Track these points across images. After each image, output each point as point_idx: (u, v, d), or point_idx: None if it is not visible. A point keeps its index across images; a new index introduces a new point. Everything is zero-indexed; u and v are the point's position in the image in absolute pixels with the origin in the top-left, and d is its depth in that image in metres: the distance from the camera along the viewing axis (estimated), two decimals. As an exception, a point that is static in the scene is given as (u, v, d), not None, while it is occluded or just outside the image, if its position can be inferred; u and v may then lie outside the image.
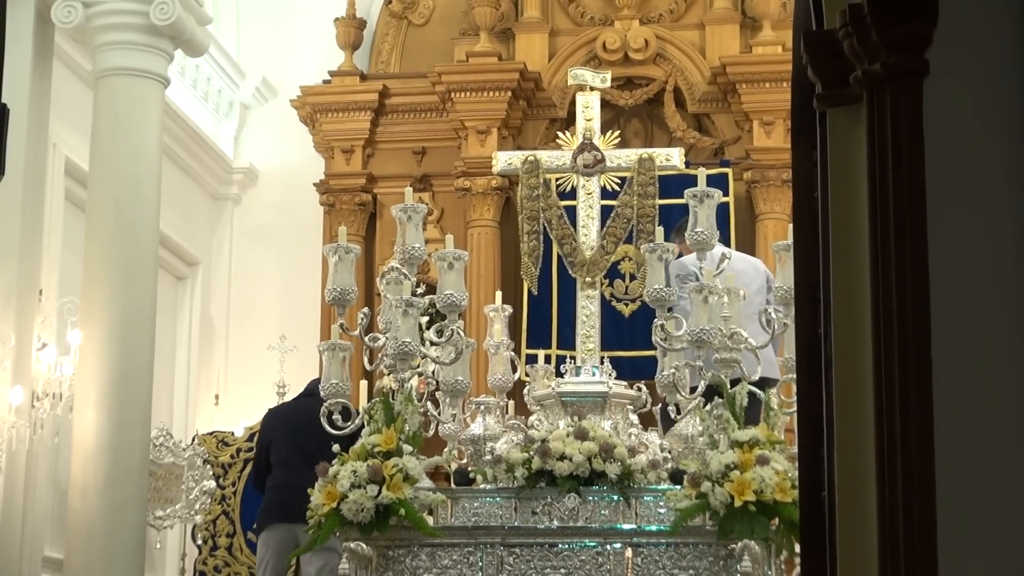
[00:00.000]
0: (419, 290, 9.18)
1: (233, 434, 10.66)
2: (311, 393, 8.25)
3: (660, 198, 8.18)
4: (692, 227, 7.35)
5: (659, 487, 7.19)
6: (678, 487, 7.01)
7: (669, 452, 7.50)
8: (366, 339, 7.51)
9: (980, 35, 3.73)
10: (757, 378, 7.21)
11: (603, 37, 11.45)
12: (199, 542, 10.43)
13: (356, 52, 11.95)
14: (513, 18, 11.75)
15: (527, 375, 8.51)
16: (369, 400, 7.61)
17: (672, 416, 7.47)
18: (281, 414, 8.68)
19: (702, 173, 7.50)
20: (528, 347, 10.58)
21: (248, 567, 10.24)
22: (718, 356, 7.21)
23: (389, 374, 7.63)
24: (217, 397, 12.21)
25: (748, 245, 10.81)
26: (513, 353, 8.44)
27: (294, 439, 8.14)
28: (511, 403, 8.45)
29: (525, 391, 8.21)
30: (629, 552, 6.98)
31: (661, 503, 7.07)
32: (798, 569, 6.35)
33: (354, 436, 7.30)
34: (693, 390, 7.25)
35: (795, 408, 5.37)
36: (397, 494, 6.95)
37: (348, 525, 6.99)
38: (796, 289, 4.44)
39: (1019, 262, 3.65)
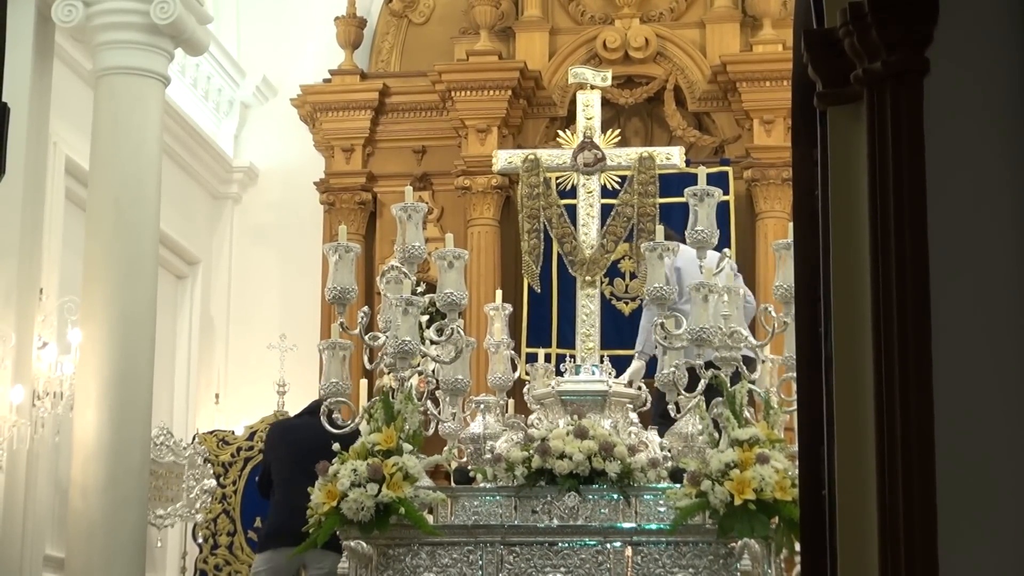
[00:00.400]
0: (419, 289, 9.19)
1: (233, 433, 10.66)
2: (314, 411, 8.25)
3: (660, 197, 8.18)
4: (692, 226, 7.35)
5: (659, 486, 7.19)
6: (678, 486, 7.01)
7: (669, 451, 7.50)
8: (366, 338, 7.51)
9: (980, 33, 3.74)
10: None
11: (603, 36, 11.45)
12: (200, 541, 10.43)
13: (356, 51, 11.95)
14: (513, 17, 11.75)
15: (527, 374, 8.51)
16: (369, 399, 7.61)
17: (672, 415, 7.48)
18: (285, 431, 8.61)
19: (702, 172, 7.50)
20: (528, 346, 10.58)
21: (248, 566, 10.24)
22: (718, 356, 7.22)
23: (389, 373, 7.63)
24: (217, 396, 12.21)
25: (748, 244, 10.82)
26: (513, 352, 8.45)
27: (297, 459, 8.06)
28: (511, 402, 8.45)
29: (525, 390, 8.21)
30: (629, 551, 6.98)
31: (661, 502, 7.08)
32: (798, 568, 6.36)
33: None
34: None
35: (795, 406, 5.37)
36: (397, 493, 6.95)
37: (348, 524, 6.99)
38: (796, 288, 4.44)
39: (1020, 260, 3.65)
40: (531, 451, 7.16)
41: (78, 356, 9.24)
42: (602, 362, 7.87)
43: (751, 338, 7.47)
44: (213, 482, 10.36)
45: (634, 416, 7.72)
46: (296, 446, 8.06)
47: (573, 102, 8.94)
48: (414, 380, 7.59)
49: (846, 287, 3.86)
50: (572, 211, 8.11)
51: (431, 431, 7.81)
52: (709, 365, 7.16)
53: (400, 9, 12.03)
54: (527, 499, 7.15)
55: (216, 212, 12.74)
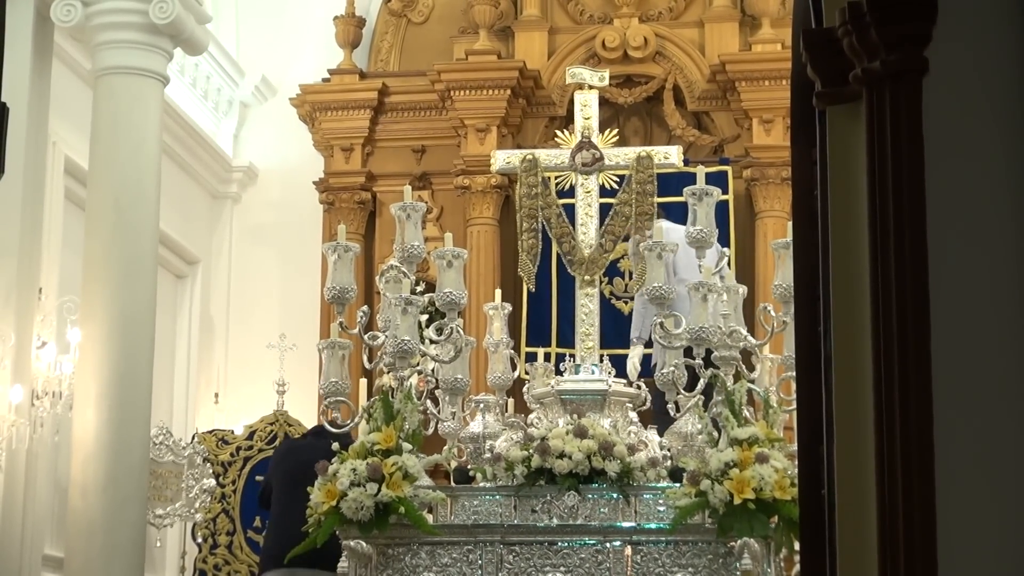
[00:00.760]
0: (418, 288, 9.20)
1: (233, 432, 10.66)
2: (319, 432, 8.27)
3: (659, 196, 8.19)
4: (691, 225, 7.35)
5: (658, 485, 7.19)
6: (677, 485, 7.01)
7: (668, 450, 7.51)
8: (365, 337, 7.52)
9: (979, 33, 3.74)
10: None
11: (602, 35, 11.45)
12: (199, 540, 10.44)
13: (355, 50, 11.95)
14: (512, 16, 11.75)
15: (526, 373, 8.52)
16: (369, 398, 7.61)
17: (672, 414, 7.48)
18: (289, 451, 8.63)
19: (701, 171, 7.51)
20: (528, 345, 10.59)
21: (248, 565, 10.24)
22: (717, 355, 7.22)
23: (388, 372, 7.63)
24: (217, 395, 12.21)
25: (747, 243, 10.82)
26: (512, 351, 8.45)
27: (296, 482, 8.09)
28: (510, 401, 8.46)
29: (524, 389, 8.22)
30: (628, 550, 6.99)
31: (660, 501, 7.08)
32: (797, 567, 6.36)
33: None
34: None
35: (794, 406, 5.37)
36: (397, 492, 6.95)
37: (348, 523, 6.99)
38: (796, 287, 4.44)
39: (1019, 259, 3.65)
40: (531, 450, 7.16)
41: (77, 356, 9.24)
42: (601, 361, 7.88)
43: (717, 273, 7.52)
44: (212, 482, 10.36)
45: (633, 415, 7.72)
46: (296, 467, 8.08)
47: (572, 102, 8.94)
48: (413, 379, 7.60)
49: (845, 286, 3.86)
50: (571, 211, 8.11)
51: (431, 430, 7.81)
52: (708, 361, 7.17)
53: (399, 8, 12.02)
54: (527, 498, 7.15)
55: (215, 212, 12.74)
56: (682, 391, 7.35)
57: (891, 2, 3.71)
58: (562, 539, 7.07)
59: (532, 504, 7.15)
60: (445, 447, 7.87)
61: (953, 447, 3.59)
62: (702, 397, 7.16)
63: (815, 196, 4.10)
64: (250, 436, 10.38)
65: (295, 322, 11.67)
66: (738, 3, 11.45)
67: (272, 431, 10.34)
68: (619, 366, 8.20)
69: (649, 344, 8.64)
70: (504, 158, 8.37)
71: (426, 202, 10.41)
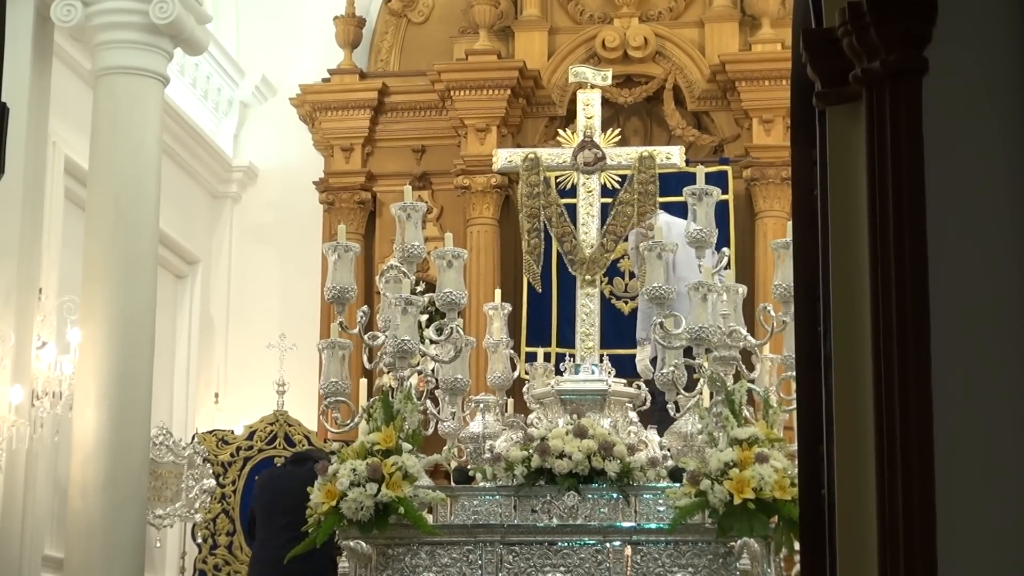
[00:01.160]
0: (418, 288, 9.20)
1: (233, 432, 10.64)
2: (298, 460, 8.32)
3: (660, 196, 8.19)
4: (691, 225, 7.36)
5: (658, 485, 7.19)
6: (677, 485, 7.01)
7: (668, 450, 7.51)
8: (365, 337, 7.52)
9: (979, 32, 3.74)
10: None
11: (602, 35, 11.44)
12: (199, 541, 10.42)
13: (355, 50, 11.95)
14: (512, 16, 11.74)
15: (526, 373, 8.52)
16: (369, 398, 7.61)
17: (672, 414, 7.48)
18: (268, 482, 8.66)
19: (701, 171, 7.51)
20: (527, 345, 10.58)
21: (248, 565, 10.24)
22: (717, 355, 7.22)
23: (388, 372, 7.64)
24: (217, 395, 12.20)
25: (747, 243, 10.82)
26: (512, 351, 8.46)
27: (278, 511, 8.13)
28: (510, 401, 8.46)
29: (524, 389, 8.22)
30: (628, 550, 6.99)
31: (660, 501, 7.08)
32: (798, 567, 6.36)
33: None
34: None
35: (794, 405, 5.37)
36: (396, 492, 6.95)
37: (347, 523, 6.99)
38: (795, 287, 4.44)
39: (1018, 259, 3.65)
40: (530, 450, 7.16)
41: (77, 356, 9.24)
42: (601, 361, 7.88)
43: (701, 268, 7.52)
44: (212, 482, 10.35)
45: (633, 415, 7.73)
46: (276, 498, 8.15)
47: (572, 101, 8.95)
48: (413, 379, 7.60)
49: (845, 286, 3.86)
50: (572, 210, 8.12)
51: (430, 430, 7.82)
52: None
53: (399, 8, 12.02)
54: (526, 498, 7.15)
55: (215, 212, 12.74)
56: (682, 391, 7.35)
57: (891, 2, 3.71)
58: (562, 539, 7.07)
59: (532, 504, 7.15)
60: (445, 447, 7.87)
61: (953, 447, 3.58)
62: (701, 397, 7.16)
63: (815, 196, 4.10)
64: (250, 436, 10.37)
65: (295, 322, 11.66)
66: (738, 3, 11.45)
67: (272, 431, 10.33)
68: (619, 366, 8.19)
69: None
70: (506, 157, 8.37)
71: (426, 202, 10.41)
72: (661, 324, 7.28)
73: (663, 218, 8.36)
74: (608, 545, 7.03)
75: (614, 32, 11.44)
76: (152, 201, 9.46)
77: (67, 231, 10.00)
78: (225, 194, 12.77)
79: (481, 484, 7.39)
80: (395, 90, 11.70)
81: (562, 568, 7.01)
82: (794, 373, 5.86)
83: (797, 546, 5.67)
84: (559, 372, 8.01)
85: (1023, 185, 3.67)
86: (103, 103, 9.42)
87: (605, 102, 9.88)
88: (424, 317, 9.05)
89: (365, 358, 7.69)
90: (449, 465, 7.97)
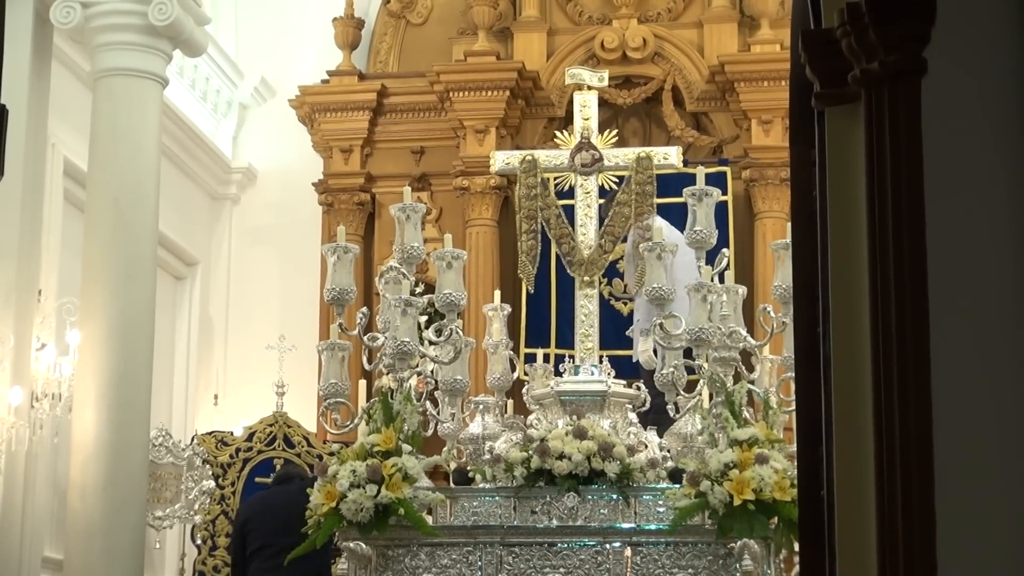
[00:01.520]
0: (418, 289, 9.20)
1: (232, 434, 10.64)
2: (284, 479, 8.32)
3: (658, 197, 8.19)
4: (691, 226, 7.36)
5: (658, 486, 7.19)
6: (677, 486, 7.01)
7: (668, 451, 7.51)
8: (365, 338, 7.52)
9: (978, 33, 3.74)
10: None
11: (601, 36, 11.44)
12: (198, 542, 10.42)
13: (354, 52, 11.94)
14: (511, 17, 11.74)
15: (526, 374, 8.52)
16: (368, 400, 7.61)
17: (672, 415, 7.48)
18: (257, 504, 8.65)
19: (701, 172, 7.51)
20: (527, 346, 10.58)
21: (248, 567, 10.23)
22: (717, 355, 7.22)
23: (388, 373, 7.63)
24: (216, 397, 12.20)
25: (747, 244, 10.82)
26: (512, 352, 8.45)
27: (269, 533, 8.12)
28: (510, 402, 8.46)
29: (524, 390, 8.22)
30: (628, 551, 6.99)
31: (660, 502, 7.08)
32: (797, 568, 6.35)
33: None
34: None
35: (794, 406, 5.37)
36: (396, 494, 6.95)
37: (347, 525, 6.99)
38: (795, 288, 4.44)
39: (1018, 260, 3.65)
40: (530, 451, 7.16)
41: (77, 357, 9.24)
42: (601, 362, 7.87)
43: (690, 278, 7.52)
44: (212, 483, 10.35)
45: (633, 416, 7.72)
46: (266, 520, 8.16)
47: (571, 102, 8.95)
48: (413, 381, 7.60)
49: (844, 287, 3.86)
50: (570, 212, 8.11)
51: (430, 432, 7.81)
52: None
53: (398, 10, 12.02)
54: (526, 500, 7.15)
55: (215, 213, 12.74)
56: (681, 392, 7.35)
57: (890, 3, 3.71)
58: (562, 540, 7.07)
59: (532, 505, 7.15)
60: (444, 448, 7.87)
61: (952, 448, 3.58)
62: (701, 398, 7.16)
63: (814, 197, 4.10)
64: (249, 438, 10.36)
65: (294, 323, 11.66)
66: (737, 4, 11.45)
67: (271, 432, 10.33)
68: (618, 367, 8.19)
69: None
70: (503, 159, 8.37)
71: (425, 203, 10.40)
72: (661, 325, 7.28)
73: (657, 222, 8.37)
74: (608, 546, 7.03)
75: (613, 33, 11.44)
76: (151, 203, 9.46)
77: (66, 233, 10.00)
78: (224, 195, 12.77)
79: (481, 485, 7.39)
80: (394, 91, 11.70)
81: (562, 569, 7.01)
82: (794, 374, 5.86)
83: (797, 547, 5.67)
84: (558, 373, 8.01)
85: (1022, 185, 3.67)
86: (102, 105, 9.42)
87: (604, 103, 9.89)
88: (423, 318, 9.04)
89: (365, 359, 7.69)
90: (449, 466, 7.97)
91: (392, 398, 7.23)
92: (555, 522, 7.09)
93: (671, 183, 9.22)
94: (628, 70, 11.40)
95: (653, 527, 7.02)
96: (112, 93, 9.41)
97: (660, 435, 7.69)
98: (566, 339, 9.85)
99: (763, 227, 10.87)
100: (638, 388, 7.90)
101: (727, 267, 7.82)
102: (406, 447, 7.13)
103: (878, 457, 3.64)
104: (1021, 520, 3.57)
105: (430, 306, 9.01)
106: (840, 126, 3.92)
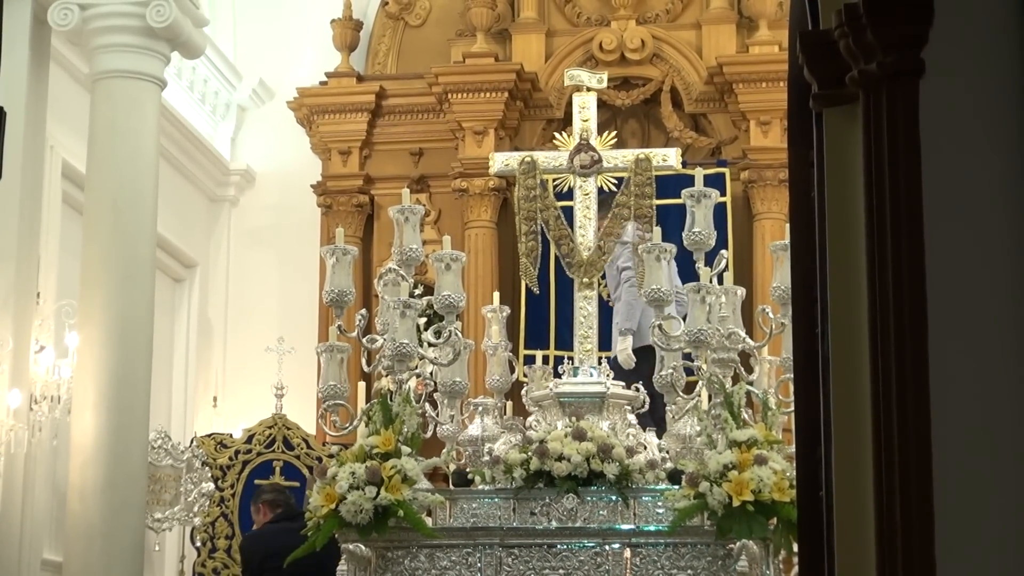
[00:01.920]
0: (417, 291, 9.21)
1: (231, 436, 10.65)
2: (285, 517, 8.30)
3: (657, 198, 8.19)
4: (690, 227, 7.36)
5: (657, 487, 7.19)
6: (676, 487, 7.01)
7: (667, 452, 7.51)
8: (364, 340, 7.52)
9: (976, 34, 3.74)
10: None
11: (599, 37, 11.45)
12: (198, 544, 10.43)
13: (353, 53, 11.95)
14: (509, 19, 11.75)
15: (525, 376, 8.52)
16: (367, 401, 7.61)
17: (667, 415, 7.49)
18: (272, 542, 8.58)
19: (699, 173, 7.52)
20: (526, 348, 10.58)
21: (247, 569, 10.23)
22: (716, 357, 7.22)
23: (387, 375, 7.64)
24: (215, 399, 12.20)
25: (745, 245, 10.82)
26: (511, 354, 8.45)
27: (272, 568, 8.11)
28: (509, 404, 8.46)
29: (523, 392, 8.21)
30: (628, 552, 6.99)
31: (659, 503, 7.08)
32: (796, 569, 6.36)
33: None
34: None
35: (793, 408, 5.38)
36: (396, 495, 6.95)
37: (347, 526, 6.99)
38: (793, 289, 4.44)
39: (1016, 261, 3.65)
40: (529, 453, 7.16)
41: (75, 360, 9.23)
42: (600, 363, 7.87)
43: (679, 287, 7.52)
44: (211, 485, 10.35)
45: (632, 418, 7.72)
46: (268, 557, 8.13)
47: (570, 104, 8.95)
48: (412, 382, 7.60)
49: (843, 288, 3.86)
50: (569, 213, 8.11)
51: (429, 433, 7.81)
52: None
53: (396, 11, 12.03)
54: (525, 501, 7.15)
55: (213, 215, 12.74)
56: (680, 393, 7.35)
57: (887, 4, 3.71)
58: (561, 541, 7.07)
59: (531, 507, 7.15)
60: (444, 450, 7.87)
61: (951, 448, 3.58)
62: (700, 399, 7.16)
63: (812, 198, 4.10)
64: (248, 440, 10.37)
65: (293, 325, 11.66)
66: (735, 5, 11.46)
67: (271, 435, 10.33)
68: (617, 368, 8.19)
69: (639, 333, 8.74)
70: (502, 160, 8.38)
71: (424, 205, 10.42)
72: (660, 327, 7.28)
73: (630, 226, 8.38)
74: (607, 547, 7.03)
75: (611, 34, 11.44)
76: (150, 205, 9.45)
77: (65, 235, 10.00)
78: (223, 197, 12.77)
79: (480, 487, 7.39)
80: (392, 93, 11.70)
81: (561, 570, 7.02)
82: (792, 375, 5.86)
83: (796, 548, 5.67)
84: (557, 375, 8.01)
85: (1020, 186, 3.67)
86: (100, 107, 9.42)
87: (603, 104, 9.89)
88: (422, 320, 9.05)
89: (364, 361, 7.70)
90: (448, 468, 7.97)
91: (391, 400, 7.23)
92: (554, 523, 7.09)
93: (670, 184, 9.22)
94: (626, 71, 11.40)
95: (652, 528, 7.03)
96: (110, 95, 9.41)
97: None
98: (565, 341, 9.86)
99: (762, 228, 10.88)
100: (637, 389, 7.90)
101: (726, 268, 7.82)
102: (405, 449, 7.13)
103: (877, 458, 3.64)
104: (1020, 520, 3.57)
105: (429, 308, 9.02)
106: (838, 127, 3.92)
